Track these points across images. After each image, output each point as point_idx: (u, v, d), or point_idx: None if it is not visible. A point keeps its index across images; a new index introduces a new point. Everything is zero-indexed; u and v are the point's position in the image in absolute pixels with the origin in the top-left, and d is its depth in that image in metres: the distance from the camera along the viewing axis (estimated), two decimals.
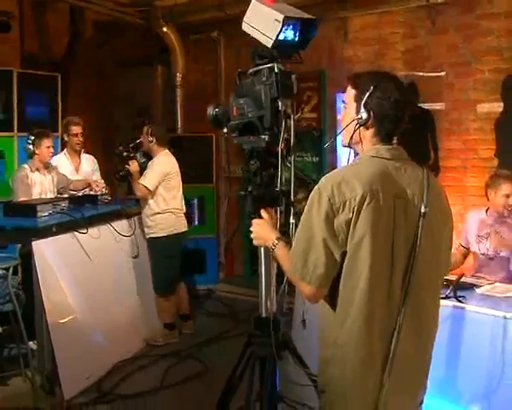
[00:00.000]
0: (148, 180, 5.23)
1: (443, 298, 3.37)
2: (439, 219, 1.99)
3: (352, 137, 2.02)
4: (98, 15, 7.47)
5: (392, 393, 1.89)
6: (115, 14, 7.35)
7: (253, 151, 2.53)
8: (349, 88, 2.06)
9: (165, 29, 7.40)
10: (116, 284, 5.13)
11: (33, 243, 4.23)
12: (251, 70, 2.49)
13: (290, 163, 2.45)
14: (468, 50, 5.77)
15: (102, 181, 5.84)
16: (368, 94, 1.95)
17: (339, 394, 1.97)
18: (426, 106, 5.96)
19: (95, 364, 4.61)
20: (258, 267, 2.60)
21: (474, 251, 4.32)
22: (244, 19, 2.44)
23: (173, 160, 5.51)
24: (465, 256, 4.44)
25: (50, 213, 4.50)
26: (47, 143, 5.17)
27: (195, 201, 7.24)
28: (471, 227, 4.36)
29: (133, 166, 5.30)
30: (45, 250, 4.35)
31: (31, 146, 5.10)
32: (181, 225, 5.53)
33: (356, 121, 1.98)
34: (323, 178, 1.94)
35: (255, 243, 2.36)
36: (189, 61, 7.66)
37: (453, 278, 3.53)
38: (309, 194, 1.95)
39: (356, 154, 2.09)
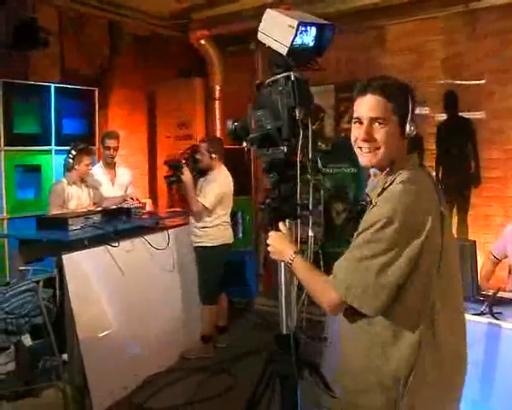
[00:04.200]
0: (208, 200, 5.23)
1: (478, 314, 3.25)
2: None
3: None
4: (137, 29, 7.54)
5: None
6: (153, 28, 7.45)
7: (272, 164, 2.47)
8: (383, 101, 1.89)
9: (202, 41, 7.42)
10: (150, 298, 5.09)
11: (64, 256, 4.24)
12: (268, 80, 2.43)
13: (309, 174, 2.36)
14: (509, 56, 5.59)
15: (135, 194, 5.87)
16: (411, 105, 1.87)
17: None
18: (465, 115, 5.79)
19: (127, 377, 4.60)
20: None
21: None
22: (259, 28, 2.38)
23: (230, 178, 5.52)
24: (495, 265, 4.26)
25: (82, 227, 4.50)
26: (87, 160, 5.27)
27: (239, 214, 7.20)
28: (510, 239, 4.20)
29: (186, 174, 5.19)
30: (76, 263, 4.36)
31: (71, 160, 5.16)
32: (228, 237, 5.56)
33: (404, 137, 1.90)
34: (388, 202, 1.83)
35: (272, 256, 2.28)
36: (226, 72, 7.66)
37: (490, 292, 3.39)
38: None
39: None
